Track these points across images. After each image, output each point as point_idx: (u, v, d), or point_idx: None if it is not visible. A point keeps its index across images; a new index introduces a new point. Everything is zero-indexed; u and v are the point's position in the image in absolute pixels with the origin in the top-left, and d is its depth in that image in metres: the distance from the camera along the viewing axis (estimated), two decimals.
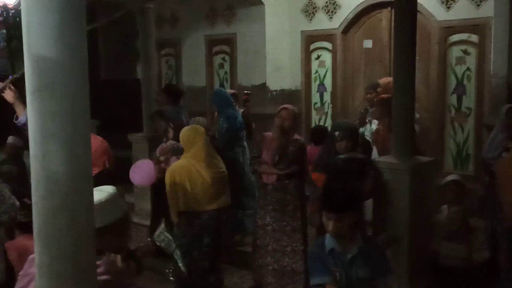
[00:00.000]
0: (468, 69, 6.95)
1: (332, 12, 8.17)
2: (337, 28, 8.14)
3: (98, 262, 2.37)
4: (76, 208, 1.94)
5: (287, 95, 8.62)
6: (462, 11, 6.89)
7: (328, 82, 8.40)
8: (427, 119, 7.21)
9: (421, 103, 7.11)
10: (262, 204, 5.36)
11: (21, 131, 4.62)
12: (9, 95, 4.39)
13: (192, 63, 9.84)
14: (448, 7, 7.00)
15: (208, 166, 4.82)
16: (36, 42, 1.85)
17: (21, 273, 2.54)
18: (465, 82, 6.99)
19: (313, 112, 8.63)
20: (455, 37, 7.03)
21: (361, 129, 6.09)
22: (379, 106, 5.88)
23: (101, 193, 2.51)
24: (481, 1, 6.72)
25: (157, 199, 6.02)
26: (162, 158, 5.58)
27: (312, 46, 8.50)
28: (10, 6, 8.88)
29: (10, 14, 9.19)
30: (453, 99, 7.10)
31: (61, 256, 1.93)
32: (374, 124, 6.18)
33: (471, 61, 6.92)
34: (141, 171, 5.81)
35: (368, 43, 7.95)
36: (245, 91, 7.37)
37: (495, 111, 6.07)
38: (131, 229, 4.71)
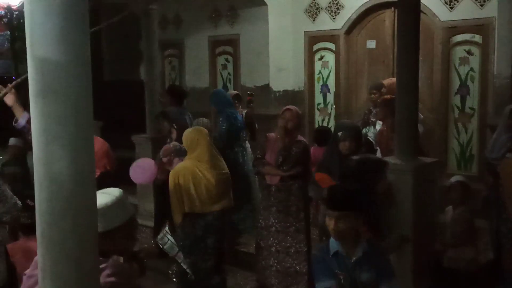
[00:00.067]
0: (471, 69, 6.94)
1: (335, 12, 8.17)
2: (340, 29, 8.13)
3: (104, 265, 2.37)
4: (79, 210, 1.94)
5: (291, 96, 8.62)
6: (465, 11, 6.88)
7: (331, 82, 8.40)
8: (431, 120, 7.20)
9: (425, 103, 7.11)
10: (266, 205, 5.36)
11: (22, 133, 4.65)
12: (9, 99, 4.42)
13: (195, 64, 9.84)
14: (452, 7, 6.99)
15: (212, 168, 4.83)
16: (39, 45, 1.85)
17: (27, 274, 2.54)
18: (468, 82, 6.98)
19: (316, 113, 8.63)
20: (458, 37, 7.02)
21: (364, 130, 6.09)
22: (383, 107, 5.88)
23: (107, 196, 2.50)
24: (484, 1, 6.71)
25: (161, 201, 6.02)
26: (165, 160, 5.58)
27: (315, 47, 8.50)
28: (14, 8, 8.93)
29: (14, 16, 9.21)
30: (456, 99, 7.09)
31: (64, 259, 1.93)
32: (379, 125, 6.17)
33: (475, 62, 6.91)
34: (142, 169, 5.81)
35: (371, 44, 7.94)
36: (249, 92, 7.38)
37: (499, 111, 6.06)
38: (138, 231, 4.72)
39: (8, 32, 9.95)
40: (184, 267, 4.78)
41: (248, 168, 6.69)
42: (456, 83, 7.08)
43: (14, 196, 3.91)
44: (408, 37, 4.91)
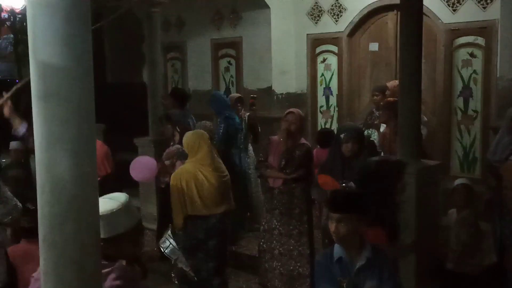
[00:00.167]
0: (474, 71, 6.93)
1: (337, 15, 8.17)
2: (342, 31, 8.13)
3: (110, 268, 2.37)
4: (81, 213, 1.94)
5: (293, 99, 8.62)
6: (468, 13, 6.87)
7: (334, 85, 8.39)
8: (434, 122, 7.19)
9: (428, 106, 7.10)
10: (269, 208, 5.36)
11: (23, 140, 4.68)
12: (5, 110, 4.45)
13: (198, 67, 9.85)
14: (454, 10, 6.99)
15: (213, 170, 4.83)
16: (42, 48, 1.85)
17: (34, 276, 2.54)
18: (471, 85, 6.97)
19: (319, 115, 8.63)
20: (461, 40, 7.01)
21: (366, 132, 6.08)
22: (386, 110, 5.87)
23: (113, 202, 2.50)
24: (487, 4, 6.70)
25: (164, 204, 6.02)
26: (168, 163, 5.58)
27: (318, 49, 8.50)
28: (17, 11, 8.93)
29: (17, 19, 9.23)
30: (459, 102, 7.08)
31: (66, 262, 1.93)
32: (383, 128, 6.16)
33: (478, 64, 6.90)
34: (142, 167, 5.81)
35: (374, 46, 7.94)
36: (252, 95, 7.37)
37: (502, 113, 6.05)
38: (143, 236, 4.74)
39: (11, 35, 9.96)
40: (186, 270, 4.78)
41: (245, 170, 6.71)
42: (459, 86, 7.07)
43: (15, 198, 3.92)
44: (411, 39, 4.91)
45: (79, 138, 1.91)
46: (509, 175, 4.56)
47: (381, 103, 6.27)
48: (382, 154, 5.84)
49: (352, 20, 8.01)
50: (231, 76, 9.47)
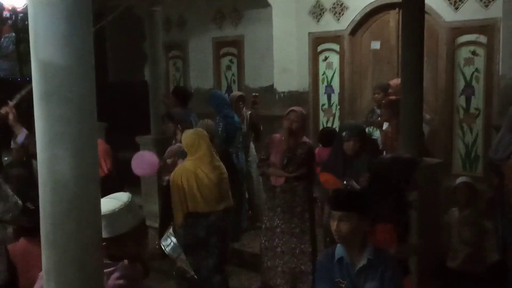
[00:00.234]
0: (476, 70, 6.92)
1: (339, 13, 8.16)
2: (344, 30, 8.12)
3: (113, 268, 2.37)
4: (83, 212, 1.94)
5: (295, 97, 8.62)
6: (470, 11, 6.86)
7: (335, 83, 8.39)
8: (436, 120, 7.18)
9: (429, 104, 7.09)
10: (271, 206, 5.36)
11: (23, 147, 4.74)
12: (10, 117, 4.49)
13: (199, 65, 9.86)
14: (456, 8, 6.98)
15: (213, 168, 4.85)
16: (43, 48, 1.86)
17: (40, 275, 2.55)
18: (473, 83, 6.96)
19: (321, 114, 8.62)
20: (463, 38, 7.00)
21: (367, 130, 6.08)
22: (388, 108, 5.87)
23: (115, 201, 2.49)
24: (489, 2, 6.69)
25: (166, 202, 6.02)
26: (169, 161, 5.58)
27: (320, 48, 8.50)
28: (19, 10, 8.94)
29: (19, 18, 9.24)
30: (461, 100, 7.08)
31: (68, 261, 1.94)
32: (385, 126, 6.15)
33: (480, 62, 6.89)
34: (143, 161, 5.81)
35: (375, 44, 7.93)
36: (254, 94, 7.38)
37: (504, 112, 6.04)
38: (147, 236, 4.73)
39: (13, 34, 9.98)
40: (187, 268, 4.79)
41: (242, 169, 6.71)
42: (461, 84, 7.07)
43: (15, 196, 3.94)
44: (413, 37, 4.90)
45: (80, 137, 1.91)
46: (510, 174, 4.56)
47: (383, 101, 6.26)
48: (384, 152, 5.84)
49: (354, 19, 8.00)
50: (233, 75, 9.47)
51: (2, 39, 9.64)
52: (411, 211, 4.40)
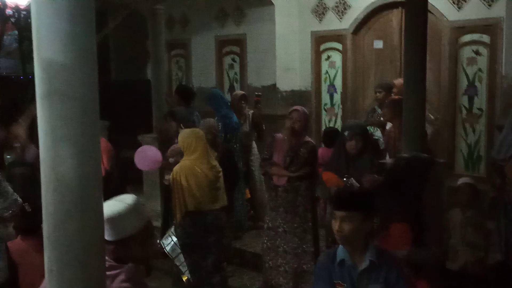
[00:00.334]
0: (479, 69, 6.90)
1: (342, 12, 8.14)
2: (347, 29, 8.11)
3: (118, 270, 2.36)
4: (86, 212, 1.94)
5: (297, 96, 8.60)
6: (473, 11, 6.84)
7: (338, 82, 8.37)
8: (438, 120, 7.17)
9: (432, 104, 7.08)
10: (273, 206, 5.36)
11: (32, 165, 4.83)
12: (20, 132, 4.57)
13: (202, 64, 9.85)
14: (459, 7, 6.96)
15: (210, 167, 4.87)
16: (46, 47, 1.85)
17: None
18: (476, 83, 6.94)
19: (323, 113, 8.61)
20: (466, 38, 6.98)
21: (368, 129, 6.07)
22: (390, 108, 5.85)
23: (121, 204, 2.47)
24: (492, 1, 6.67)
25: (168, 200, 6.03)
26: (172, 160, 5.58)
27: (322, 47, 8.48)
28: (22, 7, 8.94)
29: (22, 16, 9.24)
30: (464, 100, 7.06)
31: (70, 261, 1.93)
32: (389, 125, 6.14)
33: (483, 62, 6.87)
34: (146, 156, 5.82)
35: (378, 44, 7.92)
36: (256, 93, 7.39)
37: (507, 112, 6.02)
38: (153, 238, 4.75)
39: (16, 32, 9.98)
40: (182, 270, 4.81)
41: (241, 169, 6.72)
42: (463, 84, 7.05)
43: (15, 193, 3.96)
44: (416, 37, 4.89)
45: (83, 136, 1.91)
46: None
47: (386, 101, 6.25)
48: (386, 152, 5.82)
49: (356, 18, 7.98)
50: (235, 73, 9.47)
51: (5, 37, 9.63)
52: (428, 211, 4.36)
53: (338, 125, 8.14)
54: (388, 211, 3.97)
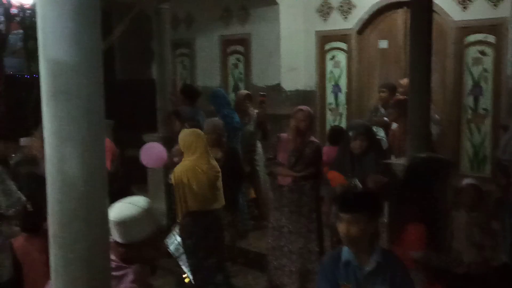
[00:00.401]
0: (485, 70, 6.88)
1: (347, 12, 8.13)
2: (352, 28, 8.10)
3: (125, 271, 2.36)
4: (91, 211, 1.94)
5: (302, 96, 8.60)
6: (478, 11, 6.82)
7: (343, 82, 8.37)
8: (443, 120, 7.15)
9: (437, 104, 7.05)
10: (278, 206, 5.36)
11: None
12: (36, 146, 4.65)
13: (206, 64, 9.85)
14: (465, 7, 6.94)
15: (210, 167, 4.88)
16: (52, 47, 1.86)
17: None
18: (481, 83, 6.92)
19: (328, 113, 8.60)
20: (471, 38, 6.96)
21: None
22: (396, 108, 5.85)
23: (135, 207, 2.45)
24: (498, 1, 6.65)
25: (172, 200, 6.04)
26: (176, 160, 5.59)
27: (327, 46, 8.47)
28: (26, 6, 8.96)
29: (27, 15, 9.26)
30: (469, 100, 7.04)
31: (76, 260, 1.94)
32: (394, 126, 6.12)
33: (488, 62, 6.85)
34: (152, 153, 5.83)
35: (383, 43, 7.91)
36: (261, 93, 7.39)
37: None
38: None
39: (21, 31, 10.00)
40: (185, 270, 4.82)
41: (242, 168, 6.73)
42: (469, 84, 7.03)
43: (19, 191, 3.99)
44: (421, 37, 4.88)
45: (88, 136, 1.92)
46: None
47: (391, 101, 6.24)
48: (389, 152, 5.81)
49: (361, 17, 7.97)
50: (240, 73, 9.46)
51: (10, 36, 9.66)
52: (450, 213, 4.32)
53: (343, 125, 8.13)
54: (405, 211, 3.97)
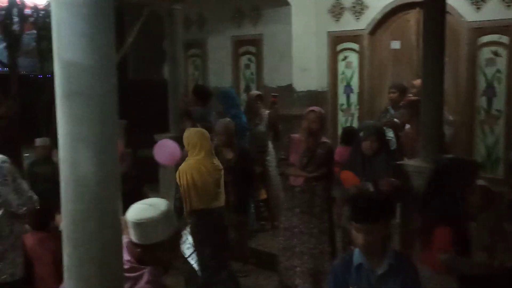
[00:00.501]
0: (498, 70, 6.83)
1: (359, 12, 8.11)
2: (364, 29, 8.08)
3: (141, 272, 2.36)
4: (104, 212, 1.96)
5: (314, 96, 8.58)
6: (492, 11, 6.78)
7: (354, 83, 8.34)
8: (456, 122, 7.11)
9: (450, 105, 7.02)
10: (289, 206, 5.35)
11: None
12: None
13: (218, 64, 9.86)
14: (478, 8, 6.90)
15: (214, 167, 4.92)
16: (66, 48, 1.87)
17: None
18: (495, 84, 6.88)
19: (340, 114, 8.58)
20: (485, 38, 6.91)
21: None
22: (409, 108, 5.83)
23: (154, 209, 2.44)
24: (511, 2, 6.60)
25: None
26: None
27: (339, 47, 8.45)
28: (40, 7, 9.03)
29: (40, 15, 9.33)
30: (482, 101, 6.99)
31: (89, 260, 1.95)
32: (406, 126, 6.09)
33: (501, 63, 6.80)
34: (166, 151, 5.85)
35: (395, 44, 7.87)
36: (273, 94, 7.38)
37: None
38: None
39: (35, 31, 10.07)
40: (195, 267, 4.84)
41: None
42: (482, 85, 6.98)
43: (30, 190, 4.03)
44: (434, 37, 4.87)
45: (102, 137, 1.93)
46: None
47: (403, 102, 6.21)
48: (400, 153, 5.78)
49: (373, 18, 7.95)
50: (251, 74, 9.47)
51: (24, 36, 9.73)
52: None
53: (355, 125, 8.10)
54: (432, 214, 3.95)
